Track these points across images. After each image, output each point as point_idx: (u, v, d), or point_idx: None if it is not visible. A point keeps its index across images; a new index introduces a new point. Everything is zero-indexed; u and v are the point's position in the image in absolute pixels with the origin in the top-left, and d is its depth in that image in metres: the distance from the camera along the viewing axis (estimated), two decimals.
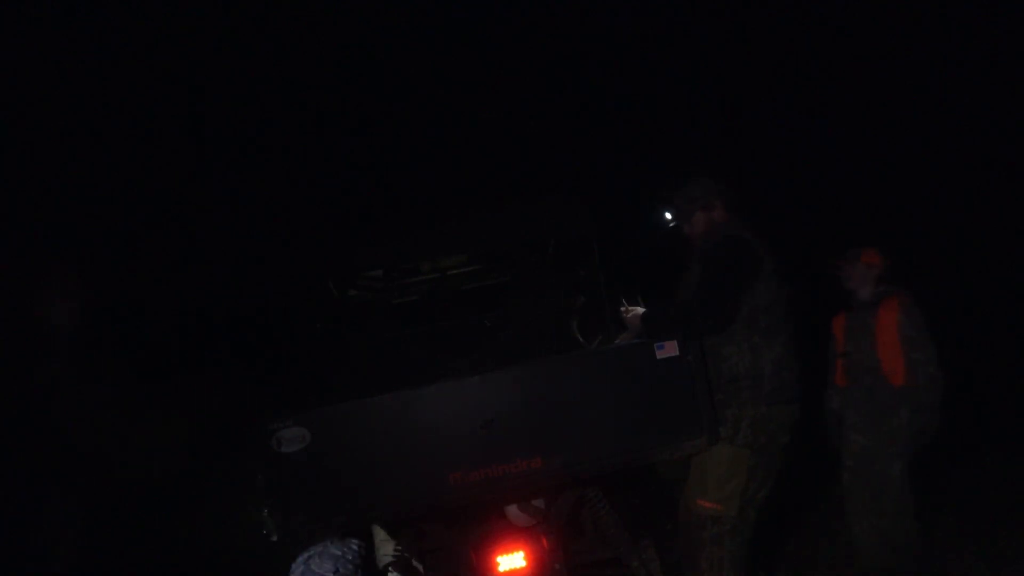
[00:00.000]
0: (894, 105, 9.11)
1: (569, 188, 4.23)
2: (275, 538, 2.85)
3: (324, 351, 3.93)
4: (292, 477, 2.86)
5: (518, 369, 3.09)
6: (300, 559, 3.23)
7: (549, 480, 3.05)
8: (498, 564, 3.18)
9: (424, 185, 8.56)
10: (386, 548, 3.48)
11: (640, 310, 3.29)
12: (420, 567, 3.50)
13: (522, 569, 3.19)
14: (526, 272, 4.30)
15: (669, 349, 3.16)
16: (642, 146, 9.18)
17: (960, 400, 6.18)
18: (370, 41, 4.36)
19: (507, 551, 3.20)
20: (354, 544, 3.31)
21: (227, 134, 6.76)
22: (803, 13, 8.66)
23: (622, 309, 3.39)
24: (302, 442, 2.89)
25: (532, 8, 7.65)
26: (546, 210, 4.00)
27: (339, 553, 3.26)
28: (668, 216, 3.45)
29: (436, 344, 4.09)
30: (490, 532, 3.32)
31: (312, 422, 2.90)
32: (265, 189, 7.35)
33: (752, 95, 9.32)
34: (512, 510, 3.35)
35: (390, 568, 3.46)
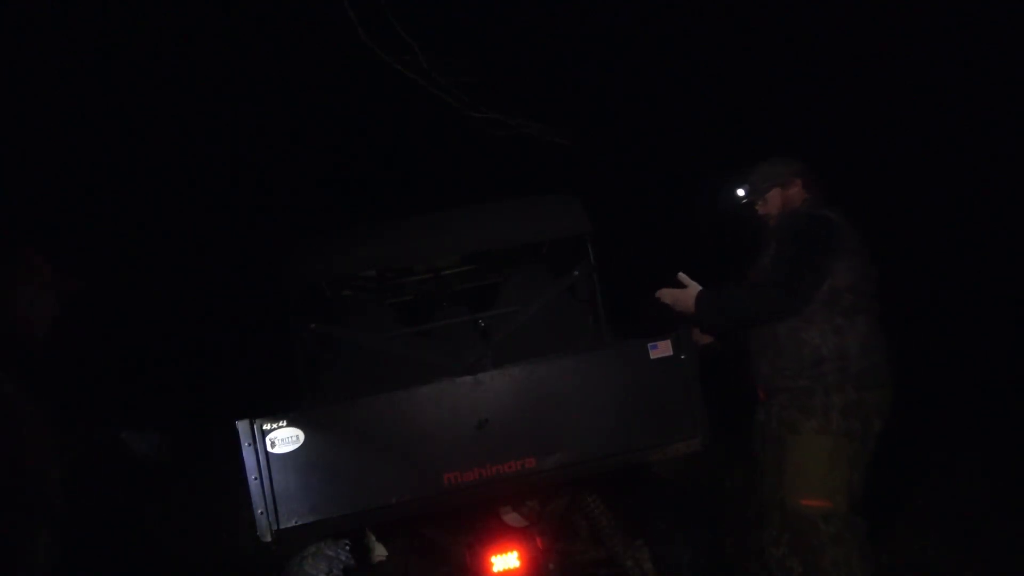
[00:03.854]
0: (897, 103, 9.09)
1: (565, 187, 4.21)
2: (268, 539, 2.86)
3: (318, 351, 3.92)
4: (285, 478, 2.87)
5: (512, 369, 3.09)
6: (294, 560, 3.23)
7: (543, 480, 3.05)
8: (492, 564, 3.18)
9: (419, 184, 8.58)
10: (380, 549, 3.48)
11: (694, 287, 3.08)
12: (414, 568, 3.50)
13: (516, 569, 3.20)
14: (520, 272, 4.29)
15: (663, 349, 3.16)
16: (641, 144, 9.18)
17: (955, 397, 6.20)
18: (365, 39, 4.35)
19: (501, 551, 3.21)
20: (347, 545, 3.31)
21: (221, 134, 6.76)
22: (804, 11, 8.65)
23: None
24: (295, 442, 2.89)
25: (531, 6, 7.63)
26: (541, 209, 3.99)
27: (332, 554, 3.26)
28: (741, 193, 3.30)
29: (430, 344, 4.08)
30: (484, 532, 3.32)
31: (305, 423, 2.91)
32: (259, 188, 7.36)
33: (753, 91, 9.30)
34: (506, 510, 3.36)
35: (384, 569, 3.46)
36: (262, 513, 2.85)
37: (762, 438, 3.28)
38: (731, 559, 4.03)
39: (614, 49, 8.74)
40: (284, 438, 2.89)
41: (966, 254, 8.61)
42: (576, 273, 4.08)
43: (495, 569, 3.20)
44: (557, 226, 3.89)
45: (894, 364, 2.96)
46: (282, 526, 2.85)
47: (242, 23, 5.87)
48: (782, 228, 3.04)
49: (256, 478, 2.85)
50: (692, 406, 3.13)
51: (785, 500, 2.95)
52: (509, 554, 3.20)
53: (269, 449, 2.87)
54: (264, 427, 2.87)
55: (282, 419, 2.90)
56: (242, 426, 2.87)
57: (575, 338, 4.03)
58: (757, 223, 3.30)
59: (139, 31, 5.68)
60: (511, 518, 3.36)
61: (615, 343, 3.66)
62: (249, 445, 2.87)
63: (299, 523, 2.87)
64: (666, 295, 3.17)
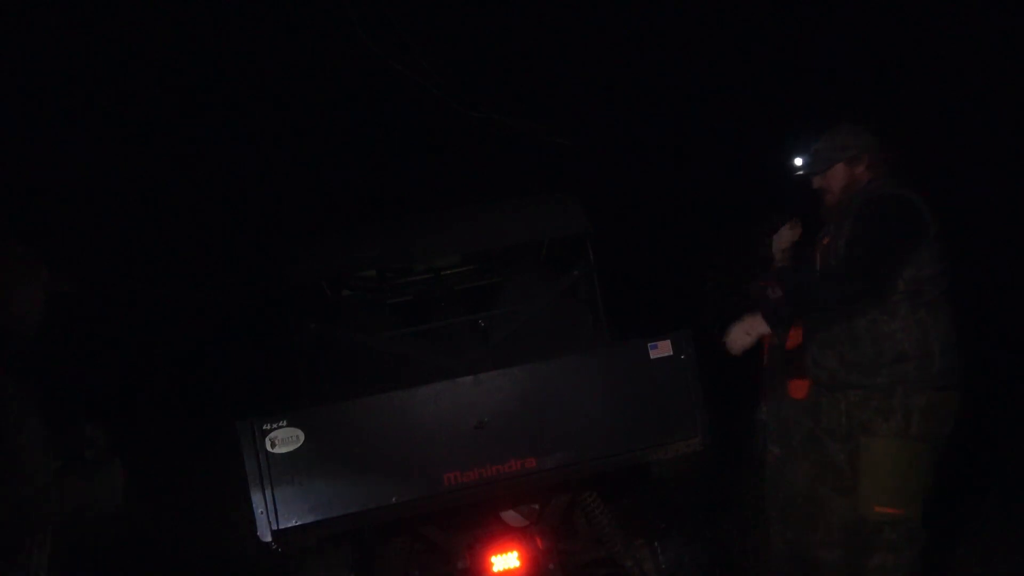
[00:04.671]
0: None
1: (565, 187, 4.23)
2: (268, 539, 2.85)
3: (318, 351, 3.93)
4: (285, 478, 2.87)
5: (512, 370, 3.10)
6: (293, 560, 3.23)
7: (543, 481, 3.06)
8: (492, 564, 3.19)
9: (418, 184, 8.56)
10: (381, 548, 3.48)
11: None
12: (414, 568, 3.50)
13: (516, 569, 3.20)
14: (520, 272, 4.30)
15: (663, 349, 3.16)
16: (642, 144, 9.17)
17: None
18: (362, 37, 4.34)
19: (501, 551, 3.21)
20: (348, 544, 3.31)
21: (220, 131, 6.74)
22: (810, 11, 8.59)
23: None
24: (296, 442, 2.89)
25: (530, 4, 7.61)
26: (541, 209, 4.01)
27: (333, 553, 3.26)
28: (798, 163, 3.02)
29: (430, 344, 4.09)
30: (484, 532, 3.32)
31: (306, 422, 2.91)
32: (259, 187, 7.34)
33: (758, 91, 9.26)
34: (506, 510, 3.36)
35: (384, 569, 3.46)
36: (262, 513, 2.85)
37: (770, 437, 3.25)
38: (731, 558, 4.03)
39: (615, 47, 8.73)
40: (284, 438, 2.89)
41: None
42: (576, 273, 4.09)
43: (495, 569, 3.21)
44: (557, 226, 3.91)
45: (966, 363, 2.76)
46: (282, 526, 2.85)
47: (242, 21, 5.86)
48: (863, 208, 2.75)
49: (256, 478, 2.85)
50: (692, 406, 3.14)
51: (854, 505, 2.78)
52: (509, 554, 3.20)
53: (269, 449, 2.86)
54: (264, 427, 2.87)
55: (282, 419, 2.89)
56: (242, 426, 2.87)
57: (575, 338, 4.04)
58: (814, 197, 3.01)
59: (136, 30, 5.68)
60: (511, 518, 3.36)
61: (615, 343, 3.66)
62: (249, 445, 2.86)
63: (299, 523, 2.87)
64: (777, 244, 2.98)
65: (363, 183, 8.37)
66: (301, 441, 2.89)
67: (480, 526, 3.35)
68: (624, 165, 8.77)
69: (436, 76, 4.68)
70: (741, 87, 9.16)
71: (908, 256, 2.64)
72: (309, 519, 2.87)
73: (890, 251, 2.64)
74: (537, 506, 3.41)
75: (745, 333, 2.81)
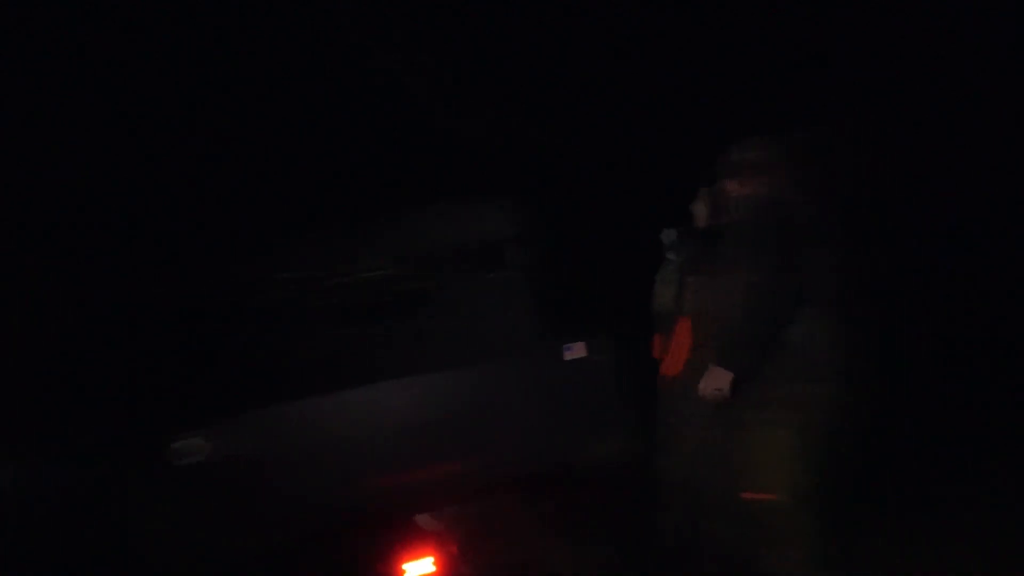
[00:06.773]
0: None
1: (500, 187, 4.21)
2: (171, 560, 2.77)
3: (233, 355, 3.84)
4: (190, 493, 2.79)
5: (434, 375, 3.08)
6: None
7: (467, 485, 3.05)
8: (405, 572, 3.15)
9: (345, 185, 8.44)
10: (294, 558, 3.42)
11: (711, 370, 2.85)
12: None
13: (431, 575, 3.17)
14: (449, 276, 4.27)
15: (577, 350, 3.18)
16: (586, 139, 9.14)
17: (954, 398, 6.20)
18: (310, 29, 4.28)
19: (415, 557, 3.17)
20: None
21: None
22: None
23: None
24: (201, 454, 2.82)
25: None
26: (470, 212, 3.99)
27: None
28: None
29: (353, 349, 4.04)
30: (398, 538, 3.28)
31: (213, 432, 2.84)
32: (176, 184, 7.15)
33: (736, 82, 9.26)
34: (421, 514, 3.34)
35: None
36: (165, 531, 2.77)
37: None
38: (656, 556, 4.05)
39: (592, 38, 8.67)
40: (189, 449, 2.82)
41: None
42: (505, 275, 4.08)
43: None
44: (487, 228, 3.90)
45: (853, 359, 2.80)
46: (186, 545, 2.77)
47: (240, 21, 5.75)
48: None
49: (157, 493, 2.78)
50: (612, 408, 3.15)
51: (731, 493, 2.89)
52: (424, 560, 3.17)
53: (172, 461, 2.79)
54: (167, 437, 2.79)
55: (188, 429, 2.82)
56: (143, 436, 2.79)
57: (506, 342, 4.03)
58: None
59: (135, 29, 5.56)
60: (426, 522, 3.34)
61: (530, 346, 3.66)
62: (150, 457, 2.79)
63: (206, 542, 2.79)
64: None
65: (291, 179, 8.25)
66: (208, 453, 2.83)
67: (392, 531, 3.32)
68: (563, 165, 8.76)
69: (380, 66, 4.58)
70: (740, 87, 9.16)
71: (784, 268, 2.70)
72: (217, 537, 2.80)
73: (764, 244, 2.70)
74: (453, 509, 3.39)
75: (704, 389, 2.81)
